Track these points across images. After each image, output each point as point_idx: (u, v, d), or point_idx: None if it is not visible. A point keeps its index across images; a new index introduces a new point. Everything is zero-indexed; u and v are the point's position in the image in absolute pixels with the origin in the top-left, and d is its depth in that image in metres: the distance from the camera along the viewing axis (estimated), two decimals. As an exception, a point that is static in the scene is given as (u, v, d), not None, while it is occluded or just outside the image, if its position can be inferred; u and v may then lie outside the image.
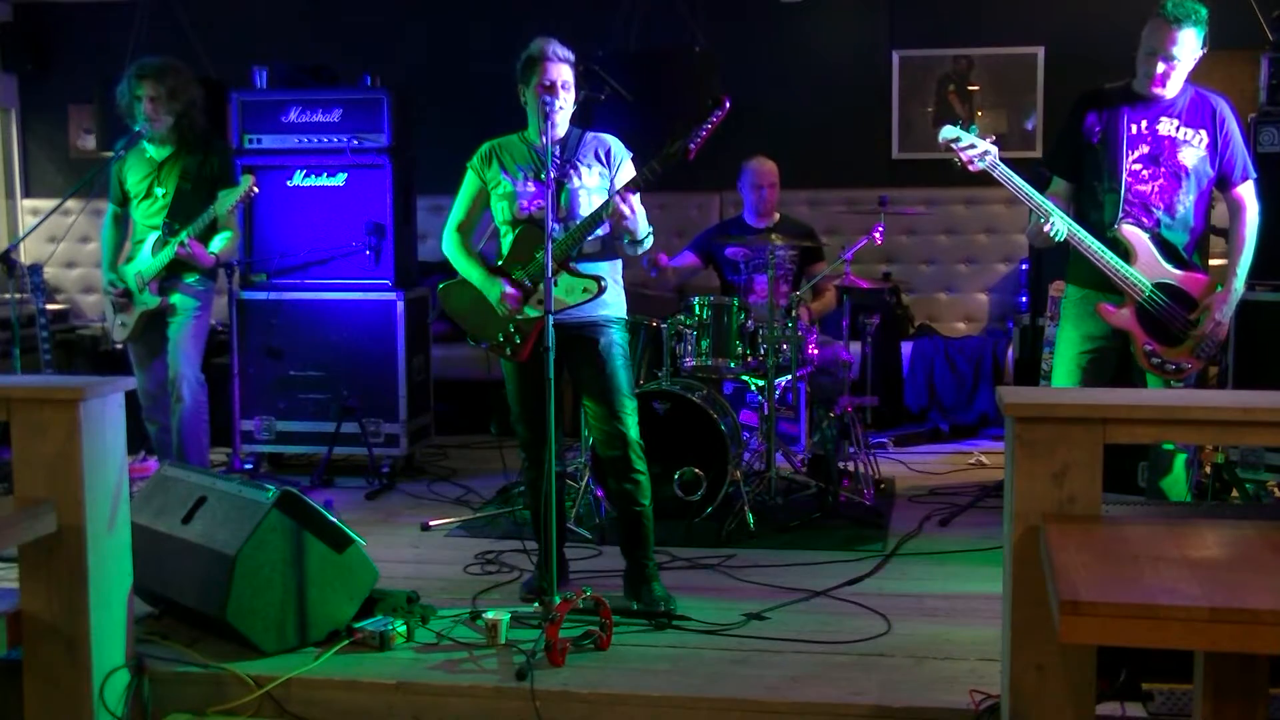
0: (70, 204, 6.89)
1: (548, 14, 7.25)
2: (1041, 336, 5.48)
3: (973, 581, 4.26)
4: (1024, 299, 6.82)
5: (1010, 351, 6.65)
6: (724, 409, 5.17)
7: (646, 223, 3.90)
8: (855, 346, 5.87)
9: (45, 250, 7.84)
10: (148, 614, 3.93)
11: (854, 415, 5.52)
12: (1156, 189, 4.00)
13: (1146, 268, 3.98)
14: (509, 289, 3.93)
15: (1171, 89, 3.98)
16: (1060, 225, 3.90)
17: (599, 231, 3.90)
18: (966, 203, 7.52)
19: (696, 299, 5.28)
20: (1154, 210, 4.00)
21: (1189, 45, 3.89)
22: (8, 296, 5.44)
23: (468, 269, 4.06)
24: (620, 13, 7.23)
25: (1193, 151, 3.97)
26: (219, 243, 5.13)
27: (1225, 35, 6.48)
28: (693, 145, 3.79)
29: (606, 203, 3.80)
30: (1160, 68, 3.92)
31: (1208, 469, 4.96)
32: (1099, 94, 4.13)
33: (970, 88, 7.52)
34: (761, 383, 5.29)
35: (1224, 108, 4.02)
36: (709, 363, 5.20)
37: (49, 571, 3.17)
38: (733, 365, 5.20)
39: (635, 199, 3.79)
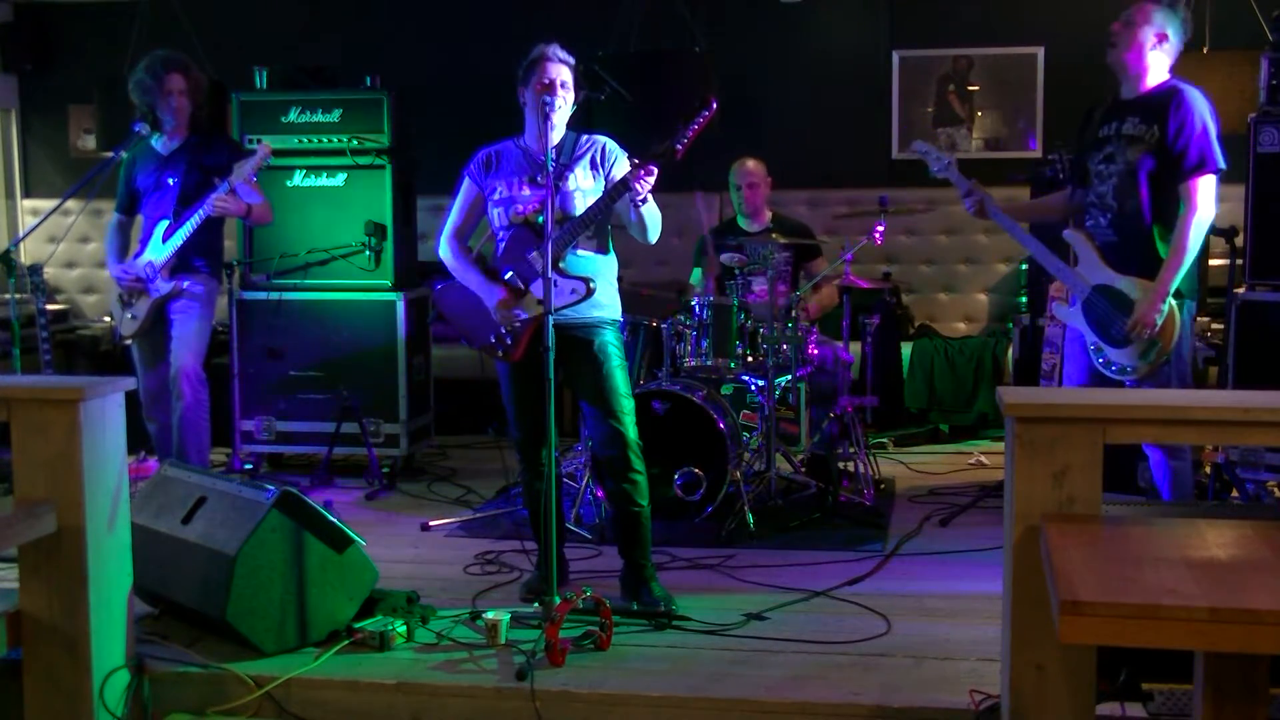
0: (70, 204, 6.87)
1: (548, 14, 7.25)
2: (1041, 336, 5.48)
3: (973, 581, 4.26)
4: (1024, 299, 6.82)
5: (1010, 351, 6.65)
6: (724, 409, 5.17)
7: (656, 208, 3.89)
8: (855, 346, 5.86)
9: (45, 250, 7.84)
10: (148, 614, 3.93)
11: (854, 415, 5.53)
12: (1110, 188, 4.03)
13: (1088, 269, 4.05)
14: (503, 294, 3.93)
15: (1142, 83, 4.03)
16: (976, 203, 4.28)
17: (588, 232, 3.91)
18: (967, 203, 7.52)
19: (696, 299, 5.28)
20: (1109, 209, 4.04)
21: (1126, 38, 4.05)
22: (8, 296, 5.44)
23: (465, 275, 4.05)
24: (620, 13, 7.23)
25: (1143, 145, 3.97)
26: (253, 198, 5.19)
27: (1225, 35, 6.51)
28: (679, 145, 3.80)
29: (623, 180, 3.77)
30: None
31: (1208, 469, 4.96)
32: (1098, 106, 4.22)
33: (970, 88, 7.52)
34: (761, 382, 5.29)
35: (1188, 98, 3.95)
36: (709, 363, 5.21)
37: (49, 571, 3.17)
38: (733, 365, 5.20)
39: (652, 179, 3.76)
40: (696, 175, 6.53)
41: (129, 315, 5.22)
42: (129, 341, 5.29)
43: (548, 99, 3.81)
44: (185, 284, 5.13)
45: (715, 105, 3.86)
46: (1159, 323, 3.91)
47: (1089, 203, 4.12)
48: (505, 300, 3.93)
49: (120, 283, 5.21)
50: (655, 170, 3.74)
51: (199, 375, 5.16)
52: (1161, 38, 4.00)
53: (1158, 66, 4.04)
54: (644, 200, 3.79)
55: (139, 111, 5.18)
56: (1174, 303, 3.92)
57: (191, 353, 5.14)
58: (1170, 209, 3.98)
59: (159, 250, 5.09)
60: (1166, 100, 3.97)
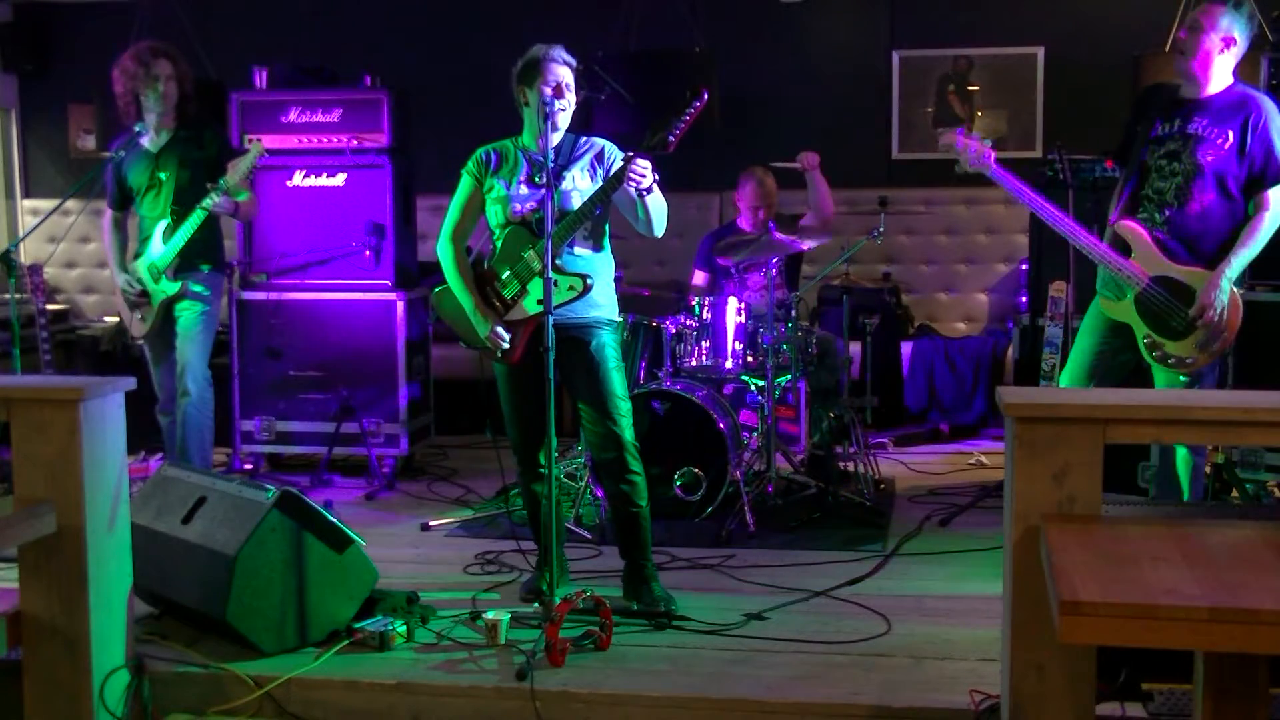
0: (70, 204, 6.89)
1: (548, 14, 7.26)
2: (1041, 336, 5.48)
3: (973, 581, 4.26)
4: (1024, 299, 6.82)
5: (1010, 351, 6.65)
6: (724, 409, 5.17)
7: (662, 199, 3.89)
8: (855, 346, 5.86)
9: (45, 250, 7.84)
10: (148, 614, 3.93)
11: (854, 415, 5.52)
12: (1173, 186, 4.00)
13: (1144, 260, 3.99)
14: (496, 330, 3.91)
15: (1206, 88, 4.00)
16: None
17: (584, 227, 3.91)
18: (966, 203, 7.52)
19: (696, 299, 5.28)
20: (1167, 205, 4.00)
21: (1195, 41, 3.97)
22: (8, 296, 5.44)
23: (460, 291, 4.00)
24: (620, 13, 7.23)
25: (1214, 148, 3.95)
26: (241, 197, 5.17)
27: (1225, 35, 6.49)
28: (671, 137, 3.80)
29: (617, 173, 3.77)
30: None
31: (1208, 469, 4.95)
32: (1153, 89, 4.21)
33: (970, 88, 7.52)
34: (761, 382, 5.29)
35: (1264, 107, 3.96)
36: (709, 363, 5.21)
37: (49, 571, 3.17)
38: (732, 365, 5.20)
39: (646, 164, 3.76)
40: (698, 176, 6.56)
41: (139, 316, 5.22)
42: (140, 341, 5.30)
43: (552, 102, 3.80)
44: (190, 282, 5.13)
45: (706, 96, 3.85)
46: (1222, 307, 3.90)
47: (1144, 196, 4.06)
48: (496, 333, 3.91)
49: (127, 295, 5.20)
50: (649, 161, 3.74)
51: (204, 376, 5.16)
52: (1229, 41, 3.96)
53: (1224, 69, 4.02)
54: (649, 190, 3.80)
55: (122, 100, 5.15)
56: (1236, 290, 3.93)
57: (196, 353, 5.13)
58: (1232, 213, 3.98)
59: (160, 251, 5.08)
60: (1239, 106, 3.97)
